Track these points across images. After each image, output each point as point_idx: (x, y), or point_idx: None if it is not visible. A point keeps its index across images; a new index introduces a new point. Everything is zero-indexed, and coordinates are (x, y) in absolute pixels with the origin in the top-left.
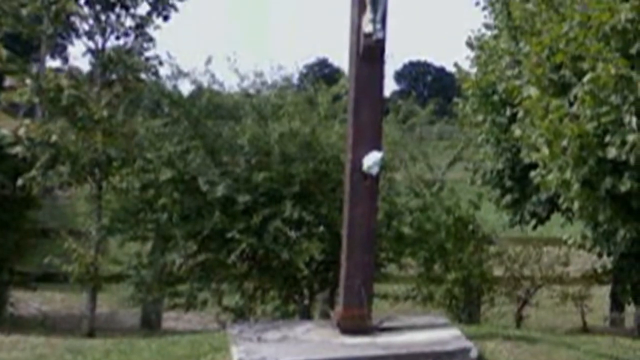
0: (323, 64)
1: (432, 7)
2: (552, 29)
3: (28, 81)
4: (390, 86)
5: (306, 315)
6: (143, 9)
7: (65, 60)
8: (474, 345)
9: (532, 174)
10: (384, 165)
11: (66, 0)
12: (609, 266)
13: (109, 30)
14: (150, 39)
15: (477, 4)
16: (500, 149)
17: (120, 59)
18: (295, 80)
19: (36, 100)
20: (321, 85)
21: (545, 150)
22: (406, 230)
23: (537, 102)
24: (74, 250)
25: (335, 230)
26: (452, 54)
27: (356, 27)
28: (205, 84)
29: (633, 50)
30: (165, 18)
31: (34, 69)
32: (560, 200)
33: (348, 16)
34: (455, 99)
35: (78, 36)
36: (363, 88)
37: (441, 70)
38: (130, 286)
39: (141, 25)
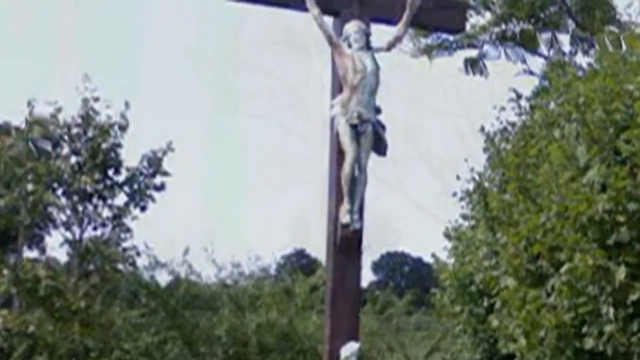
0: (300, 254)
1: (409, 197)
2: (530, 219)
3: (5, 272)
4: (367, 277)
5: None
6: (120, 199)
7: (43, 250)
8: None
9: None
10: (361, 356)
11: (43, 191)
12: None
13: (86, 220)
14: (128, 230)
15: (455, 194)
16: (477, 339)
17: (97, 249)
18: (272, 271)
19: (13, 290)
20: (298, 275)
21: (523, 341)
22: None
23: (514, 292)
24: None
25: None
26: (430, 245)
27: (333, 218)
28: (183, 275)
29: (610, 241)
30: (143, 208)
31: (11, 259)
32: None
33: (326, 207)
34: (433, 290)
35: (55, 227)
36: (340, 279)
37: (418, 260)
38: None
39: (118, 215)
